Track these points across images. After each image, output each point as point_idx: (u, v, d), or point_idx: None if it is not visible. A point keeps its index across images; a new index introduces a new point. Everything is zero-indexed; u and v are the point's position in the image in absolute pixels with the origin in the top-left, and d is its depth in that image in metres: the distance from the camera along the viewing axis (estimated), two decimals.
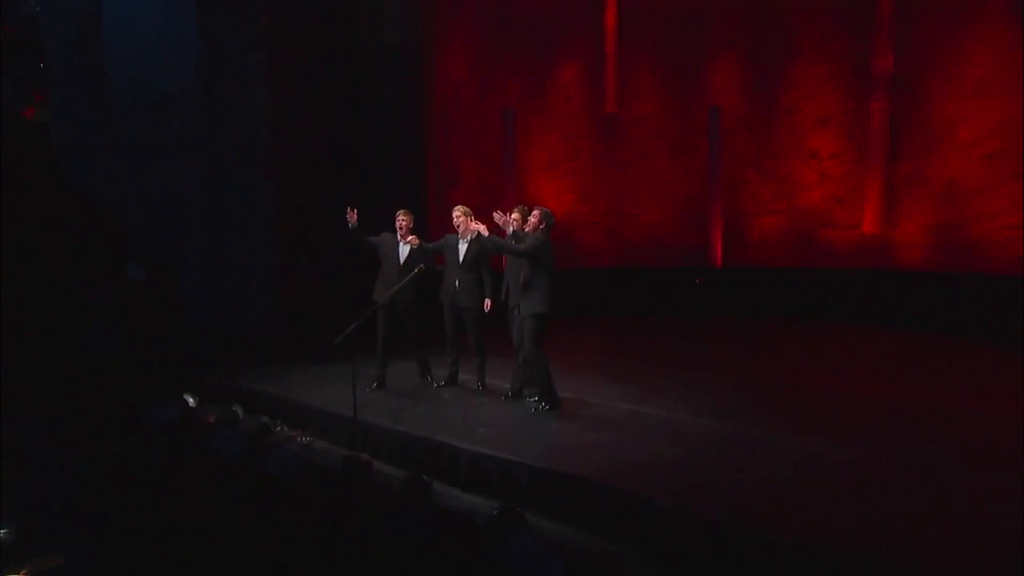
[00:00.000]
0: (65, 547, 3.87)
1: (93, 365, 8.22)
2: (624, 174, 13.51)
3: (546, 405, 6.32)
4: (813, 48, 12.58)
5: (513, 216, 6.53)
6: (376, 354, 7.19)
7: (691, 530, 4.23)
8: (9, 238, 10.09)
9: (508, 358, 6.98)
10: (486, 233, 6.39)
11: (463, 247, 6.98)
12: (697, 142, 13.35)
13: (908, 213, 11.88)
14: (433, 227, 9.98)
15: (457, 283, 6.97)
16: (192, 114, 10.86)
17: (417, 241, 7.12)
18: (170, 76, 11.09)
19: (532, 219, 6.36)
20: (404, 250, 7.12)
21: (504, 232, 6.52)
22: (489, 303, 6.85)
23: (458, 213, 7.03)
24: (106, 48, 12.57)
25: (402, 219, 7.12)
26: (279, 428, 6.62)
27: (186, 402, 6.70)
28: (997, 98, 10.88)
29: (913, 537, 3.95)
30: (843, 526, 4.10)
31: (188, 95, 10.84)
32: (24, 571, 3.62)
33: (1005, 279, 10.46)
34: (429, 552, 3.82)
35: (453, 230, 7.10)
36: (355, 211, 6.82)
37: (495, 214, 6.54)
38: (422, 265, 6.83)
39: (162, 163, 11.58)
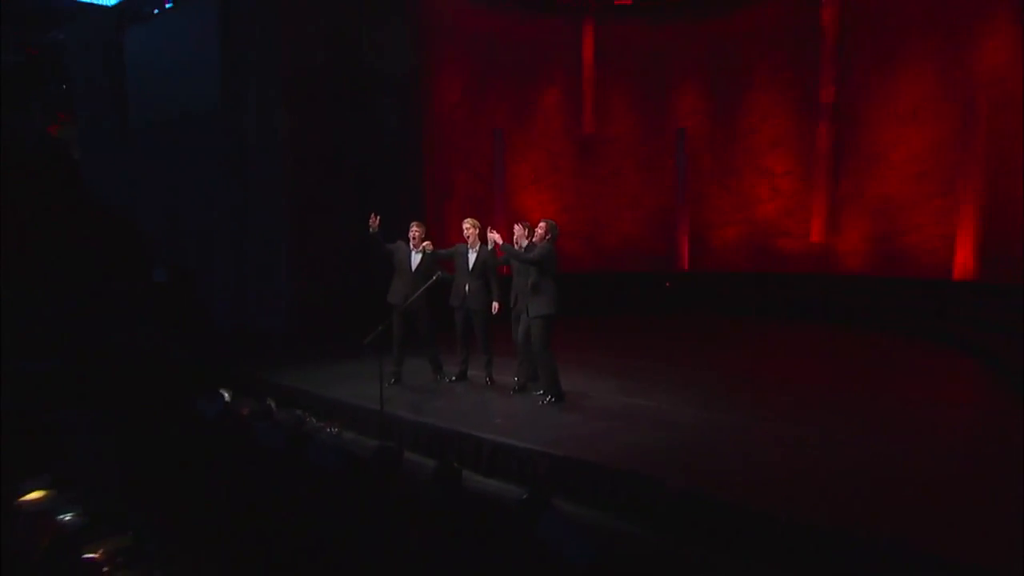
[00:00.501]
0: (131, 530, 3.78)
1: (131, 361, 8.01)
2: (600, 188, 13.62)
3: (552, 398, 6.33)
4: (767, 79, 12.83)
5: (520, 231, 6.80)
6: (392, 352, 7.14)
7: (699, 509, 4.27)
8: (35, 243, 9.78)
9: (513, 356, 6.96)
10: (501, 242, 6.40)
11: (472, 255, 6.98)
12: (665, 160, 13.52)
13: (849, 225, 12.17)
14: (431, 234, 9.92)
15: (467, 288, 6.95)
16: (215, 135, 10.68)
17: (431, 247, 7.11)
18: (192, 100, 10.89)
19: (539, 230, 6.40)
20: (416, 258, 7.11)
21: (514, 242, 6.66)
22: (497, 306, 6.85)
23: (467, 225, 7.05)
24: (129, 71, 12.28)
25: (415, 230, 7.13)
26: (308, 420, 6.52)
27: (223, 396, 6.55)
28: (926, 125, 11.22)
29: (900, 507, 4.05)
30: (834, 503, 4.17)
31: (209, 116, 10.65)
32: (101, 551, 3.51)
33: (932, 283, 10.81)
34: (465, 533, 3.80)
35: (452, 237, 7.10)
36: (377, 218, 6.77)
37: (515, 225, 6.81)
38: (439, 273, 6.80)
39: (190, 179, 11.37)
